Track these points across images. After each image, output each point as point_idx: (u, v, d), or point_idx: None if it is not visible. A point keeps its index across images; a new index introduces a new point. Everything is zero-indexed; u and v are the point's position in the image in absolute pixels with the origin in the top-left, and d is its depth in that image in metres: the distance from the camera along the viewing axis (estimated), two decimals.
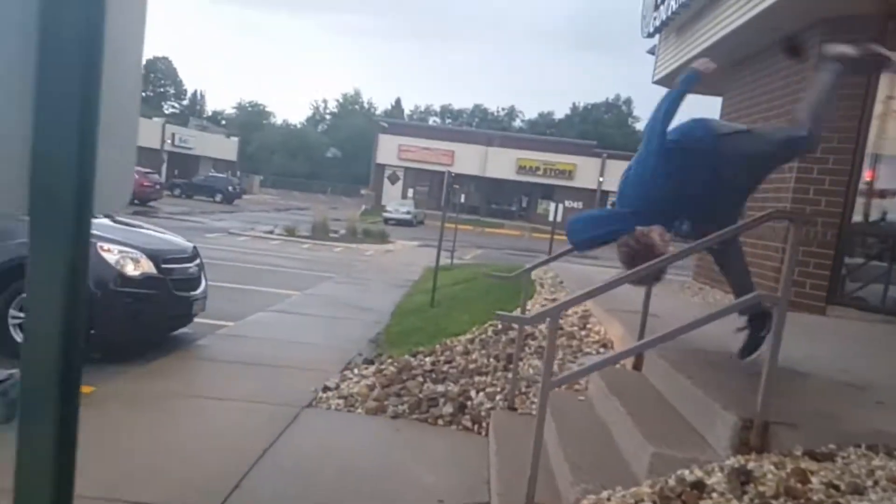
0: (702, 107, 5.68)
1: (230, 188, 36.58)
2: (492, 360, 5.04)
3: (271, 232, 20.23)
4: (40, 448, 1.08)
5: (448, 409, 4.46)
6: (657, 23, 9.42)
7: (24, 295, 5.27)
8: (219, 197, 35.35)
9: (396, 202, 36.24)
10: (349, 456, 3.94)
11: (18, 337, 5.25)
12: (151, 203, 26.64)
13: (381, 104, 78.22)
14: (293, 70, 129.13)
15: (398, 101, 77.19)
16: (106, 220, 6.42)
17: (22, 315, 5.23)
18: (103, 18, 1.03)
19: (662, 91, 3.66)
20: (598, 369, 3.50)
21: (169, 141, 41.53)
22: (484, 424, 4.28)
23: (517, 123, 75.49)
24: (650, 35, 10.06)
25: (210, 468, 3.69)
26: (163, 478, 3.55)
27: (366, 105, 75.88)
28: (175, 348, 6.09)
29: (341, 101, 76.35)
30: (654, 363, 3.81)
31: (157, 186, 28.27)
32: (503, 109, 78.30)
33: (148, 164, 34.26)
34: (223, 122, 69.81)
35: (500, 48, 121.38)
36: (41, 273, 1.05)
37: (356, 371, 5.43)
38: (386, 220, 31.63)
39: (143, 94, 61.32)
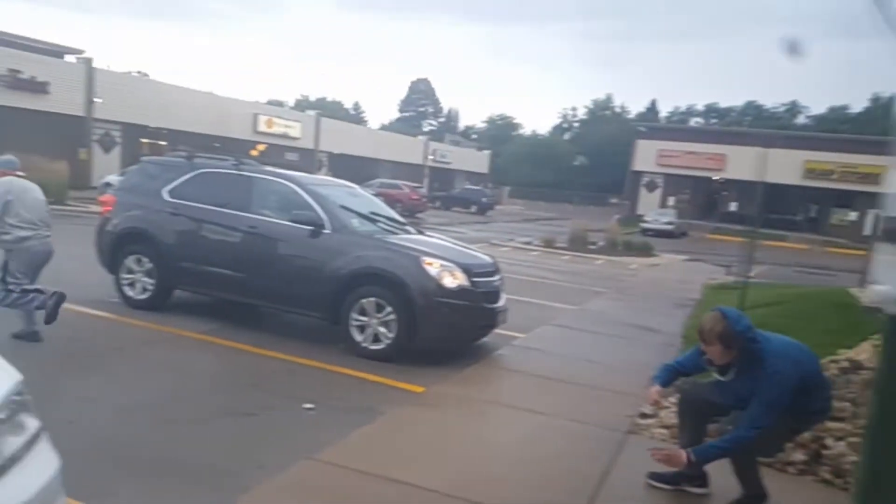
0: None
1: (483, 199, 38.53)
2: (845, 403, 4.34)
3: (529, 243, 20.68)
4: None
5: (799, 455, 3.93)
6: None
7: (364, 300, 6.05)
8: (473, 208, 37.46)
9: (656, 212, 34.42)
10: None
11: (358, 337, 5.97)
12: (418, 215, 29.16)
13: (635, 107, 75.03)
14: (540, 81, 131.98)
15: (653, 104, 73.15)
16: (421, 236, 7.06)
17: (362, 318, 5.95)
18: None
19: None
20: None
21: (431, 157, 45.23)
22: (851, 480, 3.68)
23: (800, 120, 66.84)
24: None
25: (553, 483, 3.72)
26: (504, 483, 3.67)
27: (618, 109, 73.64)
28: (481, 357, 6.41)
29: (591, 107, 75.27)
30: None
31: (424, 199, 30.90)
32: (782, 105, 69.68)
33: (413, 179, 37.86)
34: (474, 136, 74.15)
35: (764, 39, 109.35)
36: None
37: (672, 399, 5.12)
38: (644, 231, 30.18)
39: (407, 113, 67.78)
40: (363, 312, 5.96)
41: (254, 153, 31.64)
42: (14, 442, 2.10)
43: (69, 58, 26.13)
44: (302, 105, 67.30)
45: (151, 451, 3.76)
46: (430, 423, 4.61)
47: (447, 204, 38.80)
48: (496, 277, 6.57)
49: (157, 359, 5.57)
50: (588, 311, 9.71)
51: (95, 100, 24.59)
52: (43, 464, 2.20)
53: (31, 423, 2.25)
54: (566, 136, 73.61)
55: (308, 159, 34.20)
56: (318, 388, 5.12)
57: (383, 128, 67.52)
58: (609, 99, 74.56)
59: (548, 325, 8.22)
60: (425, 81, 75.57)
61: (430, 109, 76.66)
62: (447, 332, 6.03)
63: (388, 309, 5.87)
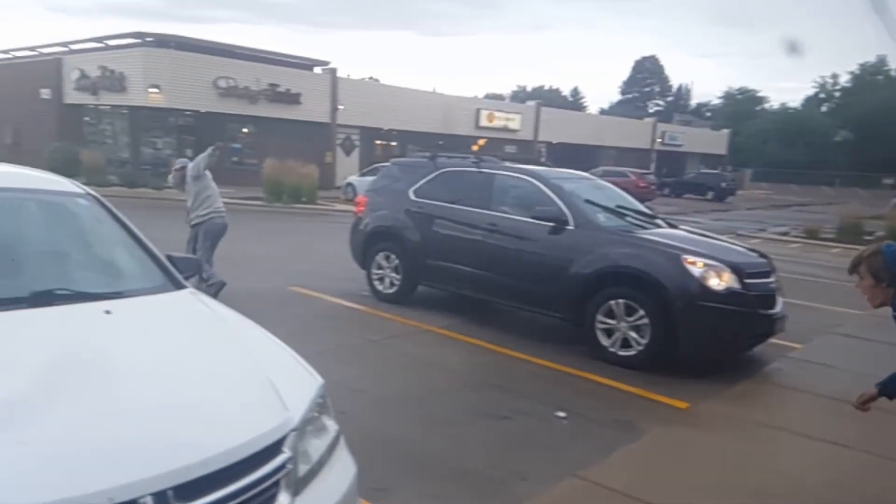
0: None
1: (723, 184, 34.90)
2: None
3: (786, 233, 18.11)
4: None
5: None
6: None
7: (612, 302, 5.57)
8: (710, 194, 34.13)
9: None
10: None
11: (605, 341, 5.51)
12: (646, 203, 27.43)
13: None
14: (790, 48, 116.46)
15: None
16: (675, 230, 6.33)
17: (610, 321, 5.47)
18: None
19: None
20: None
21: (659, 140, 42.39)
22: None
23: None
24: None
25: None
26: None
27: (893, 73, 61.51)
28: (752, 370, 5.54)
29: (857, 72, 63.80)
30: None
31: (652, 187, 28.98)
32: None
33: (639, 165, 35.75)
34: (708, 114, 67.88)
35: None
36: None
37: None
38: None
39: (630, 95, 64.18)
40: (611, 315, 5.48)
41: (475, 148, 32.59)
42: (319, 445, 2.09)
43: (317, 69, 29.21)
44: (519, 96, 67.84)
45: (414, 448, 3.75)
46: (703, 446, 4.00)
47: (678, 190, 35.91)
48: (772, 279, 5.61)
49: (407, 352, 5.71)
50: (879, 316, 7.96)
51: (339, 107, 27.23)
52: (344, 468, 2.18)
53: (332, 427, 2.24)
54: (823, 109, 63.56)
55: (526, 151, 34.24)
56: (566, 394, 4.78)
57: (603, 112, 65.16)
58: (882, 61, 62.15)
59: (830, 334, 6.92)
60: (652, 59, 71.13)
61: (657, 88, 71.98)
62: (712, 342, 5.28)
63: (641, 312, 5.31)
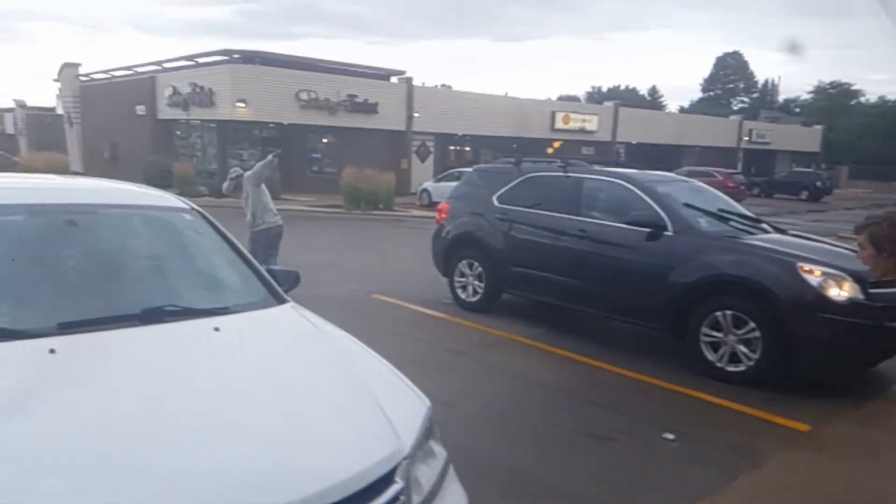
0: None
1: (818, 183, 32.75)
2: None
3: None
4: None
5: None
6: None
7: (719, 313, 5.19)
8: (804, 194, 32.09)
9: None
10: None
11: (710, 356, 5.14)
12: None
13: None
14: (885, 38, 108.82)
15: None
16: (784, 235, 5.87)
17: (716, 334, 5.10)
18: None
19: None
20: None
21: (746, 138, 40.38)
22: None
23: None
24: None
25: None
26: None
27: None
28: (879, 389, 5.04)
29: None
30: None
31: (741, 187, 27.56)
32: None
33: (725, 164, 34.12)
34: (797, 109, 64.11)
35: None
36: None
37: None
38: None
39: (712, 92, 61.08)
40: (717, 327, 5.10)
41: (550, 151, 32.08)
42: (429, 474, 1.97)
43: (393, 79, 29.63)
44: (594, 97, 66.43)
45: (514, 470, 3.57)
46: (835, 475, 3.62)
47: (768, 190, 33.93)
48: None
49: (495, 364, 5.53)
50: None
51: (414, 114, 27.50)
52: (455, 500, 2.04)
53: (441, 453, 2.12)
54: None
55: (604, 152, 33.38)
56: (672, 413, 4.47)
57: (684, 111, 62.80)
58: None
59: None
60: (735, 55, 67.83)
61: (741, 85, 68.54)
62: (833, 357, 4.81)
63: (751, 325, 4.91)
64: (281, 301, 2.79)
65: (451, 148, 31.37)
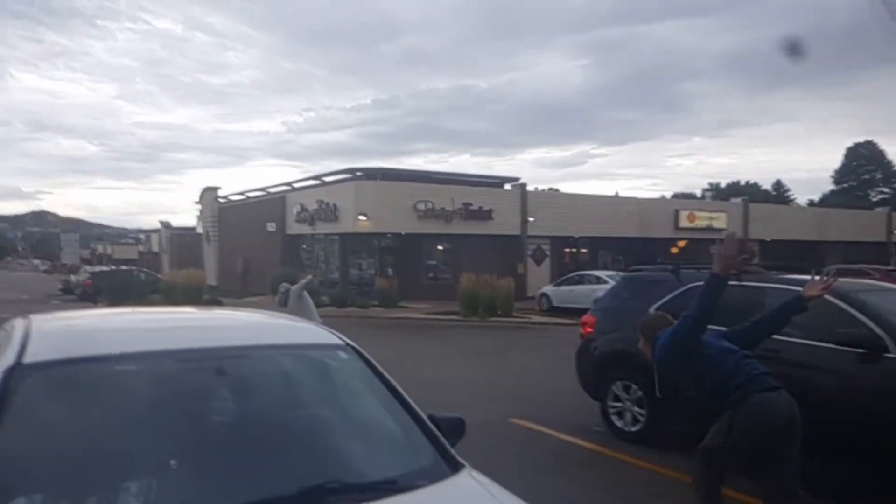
0: None
1: None
2: None
3: None
4: None
5: None
6: None
7: None
8: None
9: None
10: None
11: None
12: None
13: None
14: None
15: None
16: None
17: None
18: None
19: None
20: None
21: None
22: None
23: None
24: None
25: None
26: None
27: None
28: None
29: None
30: None
31: None
32: None
33: (875, 260, 30.80)
34: None
35: None
36: None
37: None
38: None
39: (846, 184, 57.23)
40: None
41: (674, 251, 30.50)
42: None
43: (507, 186, 29.96)
44: (712, 194, 64.02)
45: None
46: None
47: None
48: None
49: None
50: None
51: (529, 219, 27.36)
52: None
53: None
54: None
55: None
56: None
57: (814, 204, 58.77)
58: None
59: None
60: (867, 144, 63.44)
61: (879, 175, 63.59)
62: None
63: None
64: (454, 467, 2.18)
65: (567, 250, 30.73)
